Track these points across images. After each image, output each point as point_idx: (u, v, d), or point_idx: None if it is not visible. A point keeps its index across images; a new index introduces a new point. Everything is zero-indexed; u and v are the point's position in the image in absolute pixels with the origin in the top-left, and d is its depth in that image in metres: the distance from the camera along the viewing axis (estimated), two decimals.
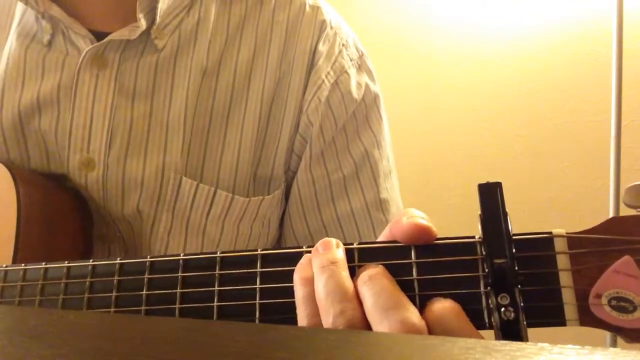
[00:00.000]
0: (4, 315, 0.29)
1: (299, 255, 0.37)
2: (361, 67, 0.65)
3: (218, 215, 0.58)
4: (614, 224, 0.33)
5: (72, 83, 0.57)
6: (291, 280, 0.36)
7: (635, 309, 0.31)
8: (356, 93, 0.62)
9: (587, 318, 0.32)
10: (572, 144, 1.67)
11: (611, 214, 1.35)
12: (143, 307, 0.38)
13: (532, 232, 0.34)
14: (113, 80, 0.57)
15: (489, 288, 0.33)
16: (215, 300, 0.37)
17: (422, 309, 0.33)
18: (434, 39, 1.87)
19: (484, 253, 0.34)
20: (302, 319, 0.34)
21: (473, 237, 0.35)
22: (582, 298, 0.32)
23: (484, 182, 0.35)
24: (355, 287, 0.34)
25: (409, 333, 0.31)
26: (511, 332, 0.32)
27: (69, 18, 0.57)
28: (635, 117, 1.61)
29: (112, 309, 0.39)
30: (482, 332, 0.34)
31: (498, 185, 0.34)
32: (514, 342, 0.20)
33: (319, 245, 0.36)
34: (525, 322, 0.32)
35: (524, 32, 1.75)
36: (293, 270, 0.36)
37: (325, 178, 0.61)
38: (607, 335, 1.30)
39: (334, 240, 0.36)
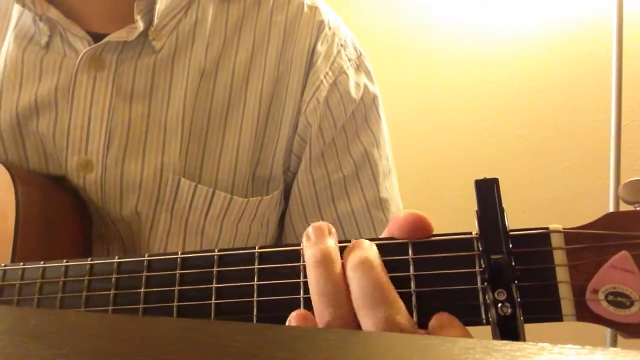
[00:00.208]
0: (4, 316, 0.29)
1: (296, 253, 0.37)
2: (360, 67, 0.65)
3: (217, 215, 0.58)
4: (611, 220, 0.33)
5: (69, 85, 0.57)
6: (288, 278, 0.36)
7: (632, 304, 0.31)
8: (355, 93, 0.62)
9: (584, 313, 0.32)
10: (572, 144, 1.68)
11: None
12: (141, 306, 0.38)
13: (528, 228, 0.34)
14: (111, 81, 0.57)
15: (485, 284, 0.33)
16: (213, 297, 0.37)
17: (421, 310, 0.34)
18: (434, 39, 1.87)
19: (480, 249, 0.34)
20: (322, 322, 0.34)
21: (470, 233, 0.35)
22: (579, 293, 0.32)
23: (479, 176, 0.35)
24: (345, 270, 0.34)
25: (393, 331, 0.31)
26: (508, 327, 0.32)
27: (66, 20, 0.57)
28: (635, 117, 1.61)
29: (110, 307, 0.39)
30: (479, 328, 0.34)
31: (495, 181, 0.35)
32: (514, 342, 0.20)
33: (311, 230, 0.36)
34: (522, 318, 0.32)
35: (524, 32, 1.75)
36: (290, 267, 0.36)
37: (325, 178, 0.61)
38: (607, 334, 1.30)
39: (325, 226, 0.36)
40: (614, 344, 1.28)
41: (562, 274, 0.33)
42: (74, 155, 0.57)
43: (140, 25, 0.57)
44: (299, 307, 0.35)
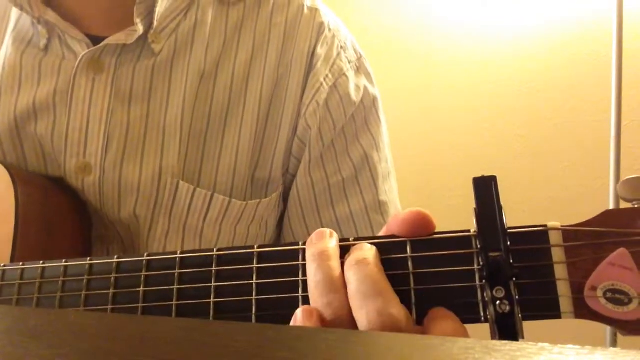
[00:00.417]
0: (4, 315, 0.29)
1: (295, 252, 0.37)
2: (360, 69, 0.64)
3: (215, 218, 0.58)
4: (609, 217, 0.33)
5: (68, 87, 0.57)
6: (287, 276, 0.36)
7: (630, 301, 0.31)
8: (355, 96, 0.62)
9: (583, 311, 0.32)
10: (572, 144, 1.67)
11: None
12: (140, 305, 0.38)
13: (527, 226, 0.34)
14: (109, 84, 0.57)
15: (484, 281, 0.33)
16: (212, 296, 0.37)
17: (420, 308, 0.34)
18: (434, 39, 1.87)
19: (479, 246, 0.34)
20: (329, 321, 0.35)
21: (468, 230, 0.35)
22: (577, 291, 0.32)
23: (479, 175, 0.35)
24: (344, 270, 0.34)
25: (385, 323, 0.31)
26: (506, 325, 0.32)
27: (64, 22, 0.57)
28: (635, 117, 1.61)
29: (110, 306, 0.39)
30: (478, 326, 0.34)
31: (493, 179, 0.35)
32: (514, 342, 0.20)
33: (313, 235, 0.37)
34: (520, 315, 0.32)
35: (524, 32, 1.75)
36: (289, 266, 0.37)
37: (324, 181, 0.61)
38: (607, 334, 1.30)
39: (327, 231, 0.37)
40: (614, 344, 1.28)
41: (560, 271, 0.33)
42: (73, 158, 0.56)
43: (140, 28, 0.56)
44: (298, 305, 0.35)
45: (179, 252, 0.39)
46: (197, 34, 0.60)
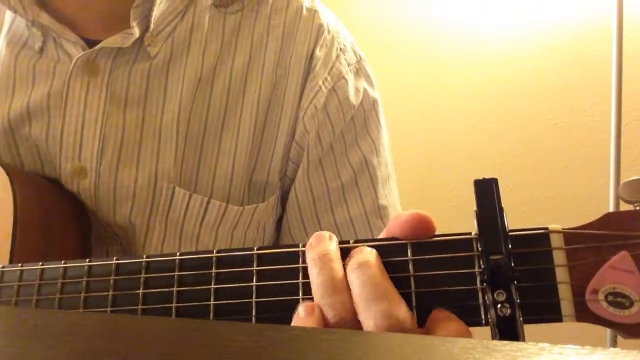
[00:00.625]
0: (3, 316, 0.29)
1: (295, 254, 0.37)
2: (359, 71, 0.63)
3: (212, 223, 0.58)
4: (610, 220, 0.33)
5: (62, 90, 0.56)
6: (287, 279, 0.36)
7: (632, 304, 0.31)
8: (354, 99, 0.61)
9: (584, 314, 0.32)
10: (572, 144, 1.67)
11: None
12: (139, 307, 0.38)
13: (528, 228, 0.34)
14: (104, 87, 0.56)
15: (485, 284, 0.33)
16: (212, 298, 0.37)
17: (421, 310, 0.34)
18: (434, 39, 1.87)
19: (479, 249, 0.34)
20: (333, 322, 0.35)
21: (469, 233, 0.35)
22: (578, 294, 0.32)
23: (479, 177, 0.35)
24: (346, 273, 0.34)
25: (391, 325, 0.31)
26: (507, 328, 0.32)
27: (58, 25, 0.56)
28: (635, 117, 1.61)
29: (109, 309, 0.39)
30: (479, 328, 0.34)
31: (494, 181, 0.35)
32: (514, 342, 0.20)
33: (312, 238, 0.37)
34: (521, 319, 0.32)
35: (524, 32, 1.75)
36: (289, 268, 0.37)
37: (323, 185, 0.60)
38: (608, 335, 1.30)
39: (326, 234, 0.37)
40: (614, 344, 1.28)
41: (561, 274, 0.33)
42: (68, 162, 0.56)
43: (136, 31, 0.56)
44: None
45: (178, 253, 0.39)
46: (194, 37, 0.59)
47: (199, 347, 0.21)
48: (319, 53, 0.61)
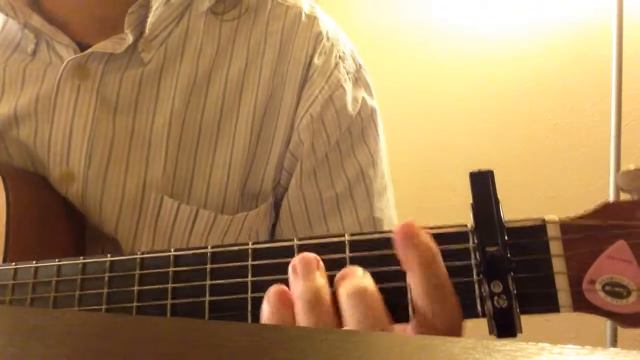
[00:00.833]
0: (4, 315, 0.29)
1: (291, 248, 0.37)
2: (358, 80, 0.62)
3: (201, 232, 0.56)
4: (607, 209, 0.33)
5: (51, 93, 0.55)
6: (283, 273, 0.36)
7: (629, 294, 0.31)
8: (352, 108, 0.60)
9: (581, 304, 0.32)
10: (572, 144, 1.67)
11: None
12: (135, 304, 0.38)
13: (524, 219, 0.34)
14: (95, 92, 0.55)
15: (481, 276, 0.33)
16: (207, 294, 0.37)
17: None
18: (434, 39, 1.87)
19: (475, 241, 0.34)
20: (266, 313, 0.35)
21: (465, 225, 0.35)
22: (575, 284, 0.32)
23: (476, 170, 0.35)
24: (335, 291, 0.34)
25: None
26: (504, 320, 0.32)
27: (50, 27, 0.55)
28: (635, 117, 1.61)
29: (104, 306, 0.39)
30: (478, 324, 0.33)
31: (490, 173, 0.35)
32: (514, 342, 0.20)
33: (298, 263, 0.35)
34: (518, 310, 0.32)
35: (524, 32, 1.75)
36: (284, 262, 0.36)
37: (316, 196, 0.59)
38: (608, 334, 1.30)
39: (313, 260, 0.35)
40: (614, 344, 1.28)
41: (558, 264, 0.33)
42: (56, 167, 0.55)
43: (130, 38, 0.54)
44: None
45: (172, 249, 0.39)
46: (188, 44, 0.58)
47: (198, 347, 0.21)
48: (317, 61, 0.59)
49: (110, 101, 0.56)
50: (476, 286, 0.33)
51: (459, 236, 0.34)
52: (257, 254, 0.37)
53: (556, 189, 1.67)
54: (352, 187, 0.59)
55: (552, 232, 0.33)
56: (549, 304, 0.32)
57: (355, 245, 0.36)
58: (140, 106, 0.56)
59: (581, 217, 0.33)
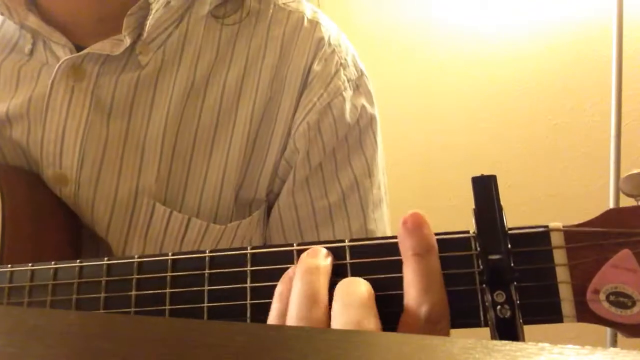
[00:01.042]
0: (4, 315, 0.29)
1: (290, 253, 0.36)
2: (359, 87, 0.60)
3: (193, 240, 0.55)
4: (612, 216, 0.33)
5: (45, 94, 0.54)
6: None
7: (634, 304, 0.31)
8: (350, 117, 0.58)
9: (585, 314, 0.32)
10: (572, 144, 1.67)
11: None
12: (132, 309, 0.38)
13: (527, 226, 0.33)
14: (89, 94, 0.54)
15: (484, 285, 0.33)
16: (205, 300, 0.37)
17: None
18: (434, 39, 1.87)
19: (478, 248, 0.33)
20: (271, 313, 0.35)
21: (467, 231, 0.34)
22: (579, 294, 0.32)
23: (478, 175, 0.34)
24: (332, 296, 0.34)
25: None
26: (507, 330, 0.31)
27: (47, 27, 0.55)
28: (635, 117, 1.61)
29: (101, 311, 0.38)
30: (479, 328, 0.33)
31: (492, 178, 0.34)
32: (514, 342, 0.20)
33: (308, 252, 0.36)
34: (521, 320, 0.32)
35: (524, 32, 1.75)
36: (283, 268, 0.36)
37: (308, 205, 0.57)
38: (608, 335, 1.30)
39: (323, 251, 0.36)
40: (614, 344, 1.28)
41: (562, 273, 0.32)
42: (49, 168, 0.54)
43: (127, 40, 0.53)
44: None
45: (170, 253, 0.38)
46: (187, 47, 0.57)
47: (198, 347, 0.21)
48: (316, 67, 0.58)
49: (105, 103, 0.55)
50: (479, 294, 0.33)
51: (461, 242, 0.34)
52: (256, 259, 0.37)
53: (556, 189, 1.67)
54: (346, 196, 0.58)
55: (556, 240, 0.33)
56: (553, 314, 0.32)
57: (355, 251, 0.36)
58: (136, 110, 0.55)
59: (585, 225, 0.33)
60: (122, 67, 0.55)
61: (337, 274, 0.35)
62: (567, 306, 0.32)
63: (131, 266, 0.38)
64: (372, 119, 0.61)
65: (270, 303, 0.36)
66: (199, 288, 0.37)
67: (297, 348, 0.21)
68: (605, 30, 1.56)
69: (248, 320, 0.36)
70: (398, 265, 0.34)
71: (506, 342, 0.20)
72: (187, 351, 0.21)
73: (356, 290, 0.33)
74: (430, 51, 1.87)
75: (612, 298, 0.31)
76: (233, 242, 0.57)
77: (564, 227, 0.33)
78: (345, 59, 0.60)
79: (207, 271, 0.37)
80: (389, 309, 0.33)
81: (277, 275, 0.36)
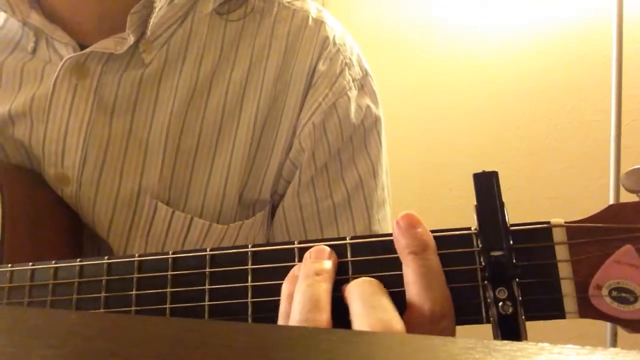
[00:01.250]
0: (4, 315, 0.29)
1: (291, 252, 0.36)
2: (364, 87, 0.60)
3: (195, 240, 0.55)
4: (614, 212, 0.32)
5: (47, 92, 0.54)
6: (283, 277, 0.36)
7: (636, 299, 0.30)
8: (355, 117, 0.58)
9: (587, 310, 0.31)
10: (572, 144, 1.67)
11: None
12: (133, 308, 0.38)
13: (529, 223, 0.33)
14: (92, 92, 0.54)
15: (486, 282, 0.32)
16: (206, 299, 0.36)
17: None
18: (434, 39, 1.87)
19: (480, 245, 0.33)
20: (280, 314, 0.35)
21: (469, 228, 0.34)
22: (582, 289, 0.32)
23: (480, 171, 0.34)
24: (344, 297, 0.34)
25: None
26: (509, 326, 0.31)
27: (50, 25, 0.54)
28: (636, 117, 1.61)
29: (102, 310, 0.38)
30: (479, 327, 0.33)
31: (494, 174, 0.34)
32: (514, 342, 0.20)
33: (311, 251, 0.36)
34: (523, 316, 0.31)
35: (524, 32, 1.75)
36: (284, 267, 0.36)
37: (313, 205, 0.57)
38: (608, 334, 1.30)
39: (327, 250, 0.36)
40: (614, 344, 1.28)
41: (564, 269, 0.32)
42: (51, 168, 0.54)
43: (131, 38, 0.53)
44: None
45: (171, 252, 0.38)
46: (191, 46, 0.56)
47: (199, 347, 0.21)
48: (321, 67, 0.57)
49: (108, 102, 0.54)
50: (480, 291, 0.33)
51: (463, 239, 0.34)
52: (257, 257, 0.37)
53: (556, 189, 1.67)
54: (351, 196, 0.58)
55: (558, 236, 0.33)
56: (555, 310, 0.32)
57: (356, 249, 0.36)
58: (139, 108, 0.55)
59: (587, 220, 0.33)
60: (125, 65, 0.55)
61: (339, 271, 0.35)
62: (570, 302, 0.32)
63: (132, 265, 0.38)
64: (376, 120, 0.60)
65: (271, 301, 0.36)
66: (200, 287, 0.37)
67: (297, 348, 0.21)
68: (605, 30, 1.56)
69: (249, 319, 0.36)
70: (399, 263, 0.34)
71: (506, 342, 0.20)
72: (189, 351, 0.21)
73: (377, 290, 0.33)
74: (430, 51, 1.87)
75: (614, 294, 0.31)
76: (235, 244, 0.57)
77: (566, 223, 0.33)
78: (350, 59, 0.60)
79: (208, 270, 0.37)
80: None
81: (278, 273, 0.36)
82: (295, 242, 0.37)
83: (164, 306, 0.37)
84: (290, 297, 0.34)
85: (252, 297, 0.36)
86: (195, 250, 0.38)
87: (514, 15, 1.76)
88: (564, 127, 1.69)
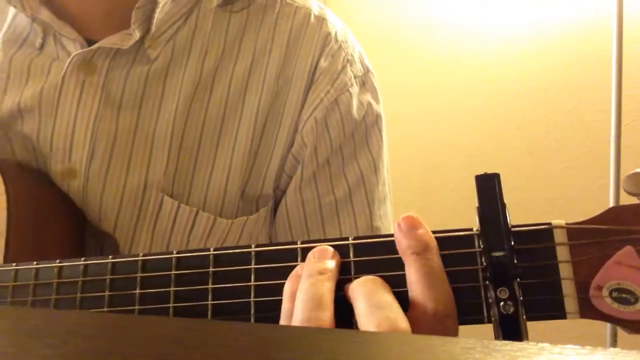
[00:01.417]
0: (4, 315, 0.29)
1: (294, 252, 0.36)
2: (365, 84, 0.61)
3: (200, 235, 0.55)
4: (614, 214, 0.33)
5: (56, 88, 0.54)
6: (286, 277, 0.36)
7: (637, 300, 0.31)
8: (357, 113, 0.59)
9: (588, 311, 0.32)
10: (572, 144, 1.67)
11: None
12: (136, 307, 0.38)
13: (531, 224, 0.34)
14: (100, 88, 0.55)
15: (487, 282, 0.33)
16: (210, 298, 0.37)
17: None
18: (434, 39, 1.87)
19: (481, 246, 0.33)
20: (282, 312, 0.35)
21: (470, 229, 0.34)
22: (582, 290, 0.32)
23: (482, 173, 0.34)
24: (347, 296, 0.34)
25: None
26: (510, 326, 0.31)
27: (58, 21, 0.55)
28: (636, 117, 1.61)
29: (105, 309, 0.38)
30: (480, 326, 0.33)
31: (496, 176, 0.34)
32: (514, 342, 0.20)
33: (315, 251, 0.36)
34: (524, 316, 0.32)
35: (524, 32, 1.75)
36: (287, 266, 0.36)
37: (315, 201, 0.58)
38: (608, 335, 1.30)
39: (330, 250, 0.36)
40: (614, 344, 1.28)
41: (565, 270, 0.32)
42: (58, 162, 0.55)
43: (137, 33, 0.54)
44: None
45: (174, 252, 0.38)
46: (195, 41, 0.57)
47: (199, 347, 0.21)
48: (323, 63, 0.58)
49: (115, 98, 0.55)
50: (482, 291, 0.33)
51: (465, 240, 0.34)
52: (260, 257, 0.37)
53: (556, 189, 1.67)
54: (352, 192, 0.58)
55: (559, 237, 0.33)
56: (556, 311, 0.32)
57: (359, 249, 0.36)
58: (145, 104, 0.56)
59: (588, 222, 0.33)
60: (131, 61, 0.56)
61: (341, 272, 0.35)
62: (570, 302, 0.32)
63: (135, 264, 0.39)
64: (378, 117, 0.61)
65: (274, 301, 0.36)
66: (203, 286, 0.37)
67: (298, 348, 0.21)
68: (605, 30, 1.56)
69: (252, 318, 0.36)
70: (402, 263, 0.35)
71: (506, 342, 0.20)
72: (189, 351, 0.21)
73: (380, 288, 0.34)
74: (430, 51, 1.87)
75: (615, 294, 0.31)
76: (240, 240, 0.57)
77: (566, 224, 0.33)
78: (352, 55, 0.61)
79: (211, 269, 0.37)
80: None
81: (281, 273, 0.36)
82: (298, 242, 0.37)
83: (167, 305, 0.37)
84: (293, 296, 0.34)
85: (255, 297, 0.36)
86: (199, 250, 0.38)
87: (514, 15, 1.76)
88: (564, 127, 1.69)
